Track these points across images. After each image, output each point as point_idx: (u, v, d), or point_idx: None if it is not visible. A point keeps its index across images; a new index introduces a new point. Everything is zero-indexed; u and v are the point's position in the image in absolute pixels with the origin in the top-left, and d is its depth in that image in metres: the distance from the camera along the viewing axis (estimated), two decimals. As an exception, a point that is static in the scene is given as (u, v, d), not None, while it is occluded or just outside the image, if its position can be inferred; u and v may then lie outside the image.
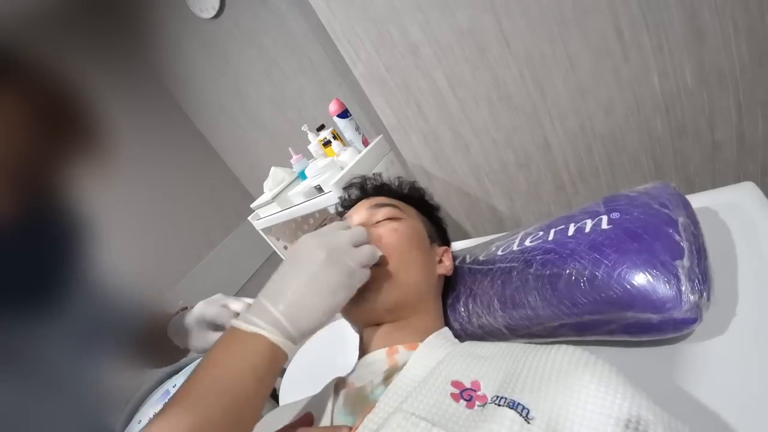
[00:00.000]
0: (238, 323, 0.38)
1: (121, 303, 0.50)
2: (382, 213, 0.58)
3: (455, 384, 0.39)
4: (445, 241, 0.69)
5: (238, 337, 0.37)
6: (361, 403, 0.43)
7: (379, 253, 0.47)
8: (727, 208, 0.60)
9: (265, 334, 0.36)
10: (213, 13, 1.71)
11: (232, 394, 0.34)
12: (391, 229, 0.54)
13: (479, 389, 0.38)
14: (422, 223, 0.62)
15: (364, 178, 0.70)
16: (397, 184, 0.69)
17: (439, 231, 0.68)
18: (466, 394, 0.38)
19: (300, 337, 0.39)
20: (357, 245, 0.44)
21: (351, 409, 0.43)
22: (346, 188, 0.70)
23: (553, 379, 0.35)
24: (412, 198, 0.67)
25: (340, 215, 0.69)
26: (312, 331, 0.39)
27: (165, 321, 0.57)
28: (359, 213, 0.59)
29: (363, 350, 0.52)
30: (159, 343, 0.56)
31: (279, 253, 1.64)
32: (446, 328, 0.54)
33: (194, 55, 1.98)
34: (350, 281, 0.42)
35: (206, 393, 0.33)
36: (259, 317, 0.38)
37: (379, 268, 0.50)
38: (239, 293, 2.19)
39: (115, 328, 0.48)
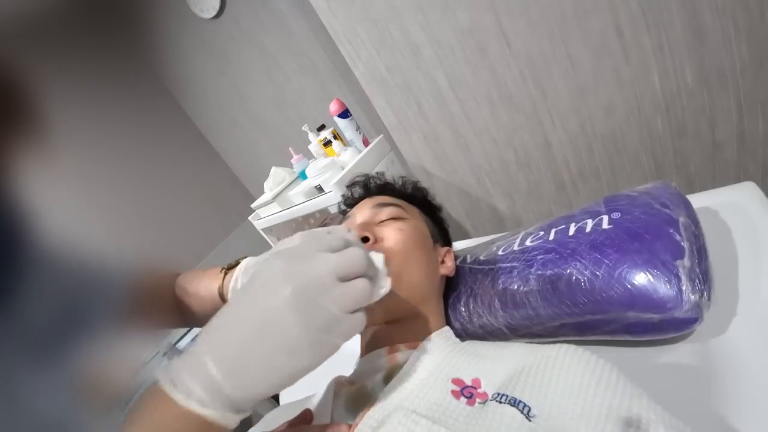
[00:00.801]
0: (164, 381, 0.28)
1: (106, 273, 0.43)
2: (386, 212, 0.57)
3: (456, 381, 0.39)
4: (447, 242, 0.69)
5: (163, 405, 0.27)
6: (362, 401, 0.43)
7: (385, 290, 0.35)
8: (728, 208, 0.60)
9: (197, 409, 0.27)
10: (213, 13, 1.71)
11: None
12: (395, 229, 0.54)
13: (480, 387, 0.38)
14: (425, 224, 0.62)
15: (368, 177, 0.69)
16: (400, 183, 0.69)
17: (441, 231, 0.68)
18: (467, 392, 0.37)
19: (237, 411, 0.28)
20: (346, 278, 0.31)
21: (351, 407, 0.43)
22: (349, 186, 0.70)
23: (555, 377, 0.35)
24: (415, 198, 0.67)
25: (343, 213, 0.69)
26: (255, 400, 0.29)
27: (171, 277, 0.52)
28: (362, 212, 0.59)
29: (364, 349, 0.52)
30: (167, 300, 0.52)
31: (279, 253, 1.64)
32: (447, 328, 0.54)
33: (195, 55, 1.98)
34: (326, 337, 0.28)
35: None
36: (195, 379, 0.27)
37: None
38: (240, 293, 2.18)
39: (108, 298, 0.42)
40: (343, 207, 0.71)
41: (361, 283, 0.31)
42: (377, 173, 0.71)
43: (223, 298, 0.49)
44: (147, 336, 0.56)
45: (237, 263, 0.50)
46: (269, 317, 0.28)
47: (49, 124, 0.32)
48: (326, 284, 0.29)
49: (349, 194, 0.70)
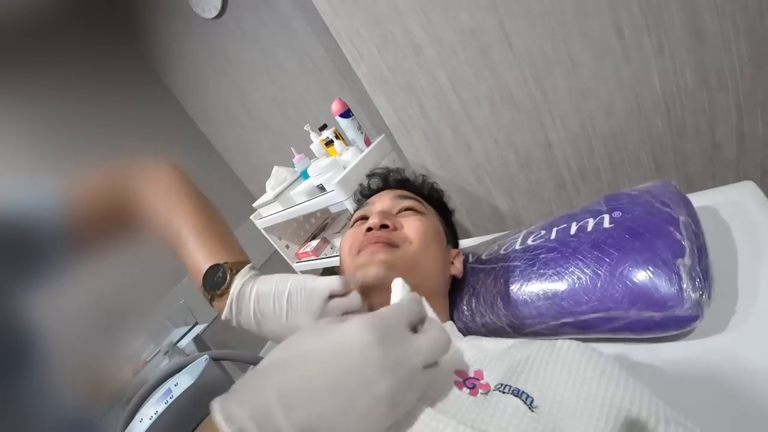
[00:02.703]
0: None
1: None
2: (406, 204, 0.59)
3: (458, 373, 0.39)
4: (456, 246, 0.70)
5: None
6: None
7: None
8: (728, 207, 0.61)
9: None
10: (215, 13, 1.72)
11: None
12: (415, 220, 0.56)
13: (483, 378, 0.38)
14: (440, 223, 0.63)
15: (388, 170, 0.70)
16: (420, 181, 0.70)
17: (452, 234, 0.69)
18: (470, 383, 0.38)
19: None
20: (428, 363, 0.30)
21: None
22: (368, 176, 0.71)
23: (558, 370, 0.36)
24: (432, 198, 0.68)
25: (358, 203, 0.70)
26: None
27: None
28: (382, 201, 0.60)
29: None
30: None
31: (281, 252, 1.64)
32: (450, 322, 0.55)
33: (196, 55, 1.99)
34: (403, 396, 0.28)
35: None
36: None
37: (401, 249, 0.51)
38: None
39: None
40: (359, 197, 0.72)
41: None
42: (398, 168, 0.72)
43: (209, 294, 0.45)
44: (106, 253, 0.49)
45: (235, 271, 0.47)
46: (362, 407, 0.26)
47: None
48: (416, 376, 0.28)
49: (366, 184, 0.70)
